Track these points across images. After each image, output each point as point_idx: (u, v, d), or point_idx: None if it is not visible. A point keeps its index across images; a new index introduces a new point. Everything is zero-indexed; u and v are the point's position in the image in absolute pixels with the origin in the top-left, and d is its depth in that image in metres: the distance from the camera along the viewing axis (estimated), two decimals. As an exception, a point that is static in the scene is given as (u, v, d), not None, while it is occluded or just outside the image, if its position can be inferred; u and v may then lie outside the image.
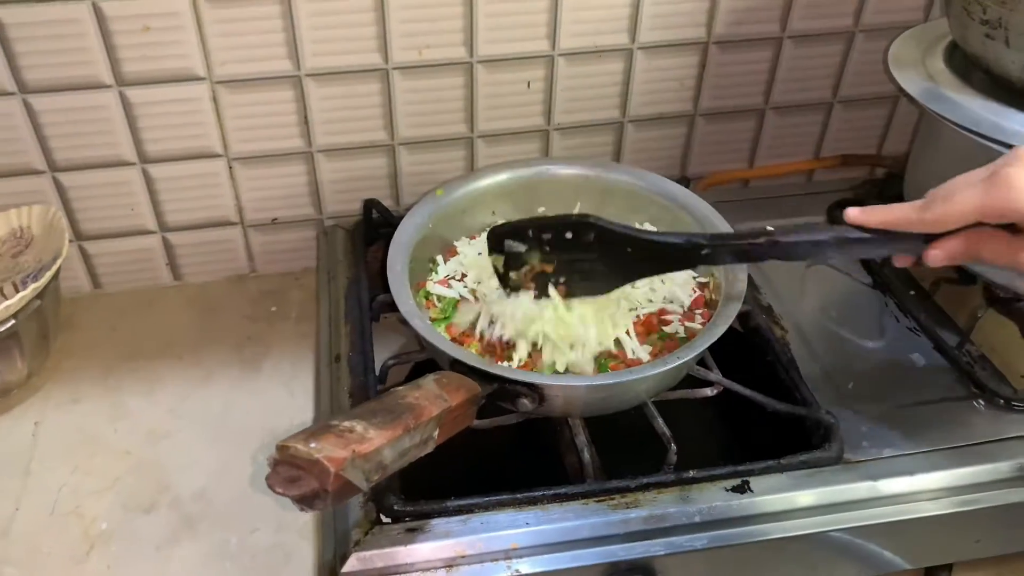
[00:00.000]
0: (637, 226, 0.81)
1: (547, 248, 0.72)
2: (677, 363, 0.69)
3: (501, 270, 0.75)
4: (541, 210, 0.88)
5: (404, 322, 0.74)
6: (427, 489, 0.69)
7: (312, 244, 1.04)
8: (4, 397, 0.88)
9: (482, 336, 0.77)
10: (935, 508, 0.72)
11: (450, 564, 0.66)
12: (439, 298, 0.84)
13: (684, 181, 0.91)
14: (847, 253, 0.65)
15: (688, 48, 1.00)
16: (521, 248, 0.73)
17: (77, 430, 0.86)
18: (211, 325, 0.99)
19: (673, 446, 0.70)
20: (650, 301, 0.80)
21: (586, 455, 0.70)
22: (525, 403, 0.68)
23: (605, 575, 0.68)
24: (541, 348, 0.75)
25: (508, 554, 0.67)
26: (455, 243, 0.90)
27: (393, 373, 0.79)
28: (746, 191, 1.13)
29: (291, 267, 1.06)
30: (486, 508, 0.69)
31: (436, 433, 0.62)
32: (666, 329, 0.79)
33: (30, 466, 0.82)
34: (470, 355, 0.72)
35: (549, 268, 0.74)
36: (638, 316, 0.79)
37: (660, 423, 0.71)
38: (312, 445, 0.54)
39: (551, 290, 0.74)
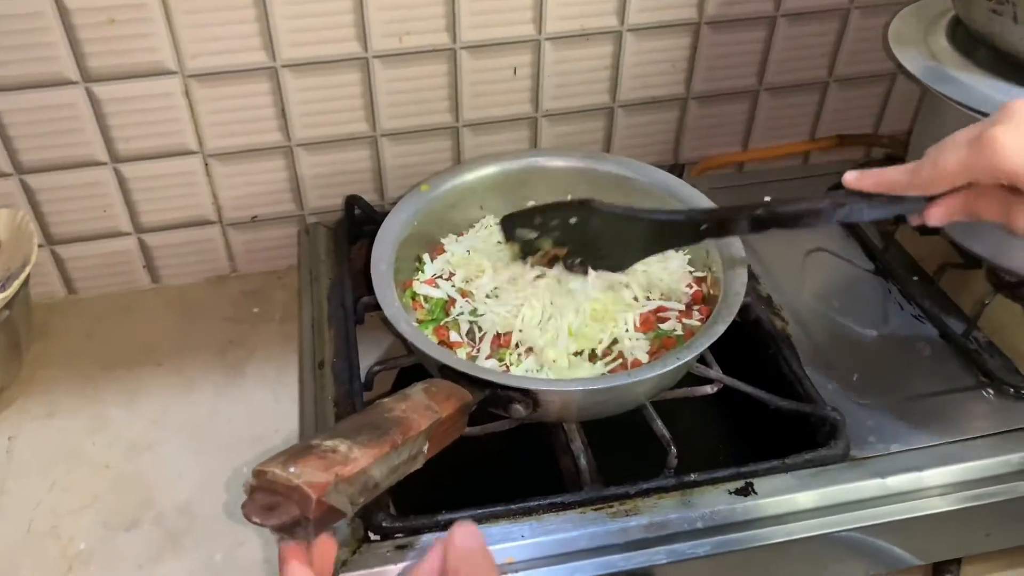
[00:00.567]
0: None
1: (556, 233, 0.75)
2: (676, 364, 0.66)
3: (519, 255, 0.78)
4: (531, 203, 0.85)
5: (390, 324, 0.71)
6: (417, 503, 0.67)
7: (294, 242, 1.01)
8: (-24, 411, 0.85)
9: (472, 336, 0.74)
10: (945, 504, 0.69)
11: (444, 582, 0.63)
12: (426, 299, 0.80)
13: (678, 168, 0.88)
14: (848, 217, 0.62)
15: (679, 29, 0.97)
16: (532, 235, 0.76)
17: (54, 444, 0.82)
18: (192, 329, 0.95)
19: (673, 448, 0.67)
20: (648, 298, 0.77)
21: (583, 461, 0.67)
22: (519, 409, 0.65)
23: (605, 586, 0.65)
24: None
25: (504, 569, 0.64)
26: (442, 240, 0.87)
27: (380, 380, 0.76)
28: (741, 176, 1.10)
29: (273, 266, 1.03)
30: (479, 521, 0.66)
31: (426, 447, 0.59)
32: (663, 327, 0.76)
33: (5, 484, 0.79)
34: (459, 360, 0.69)
35: (562, 252, 0.76)
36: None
37: (659, 424, 0.68)
38: (291, 470, 0.50)
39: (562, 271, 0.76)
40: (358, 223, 0.93)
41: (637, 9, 0.94)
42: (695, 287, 0.80)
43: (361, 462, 0.53)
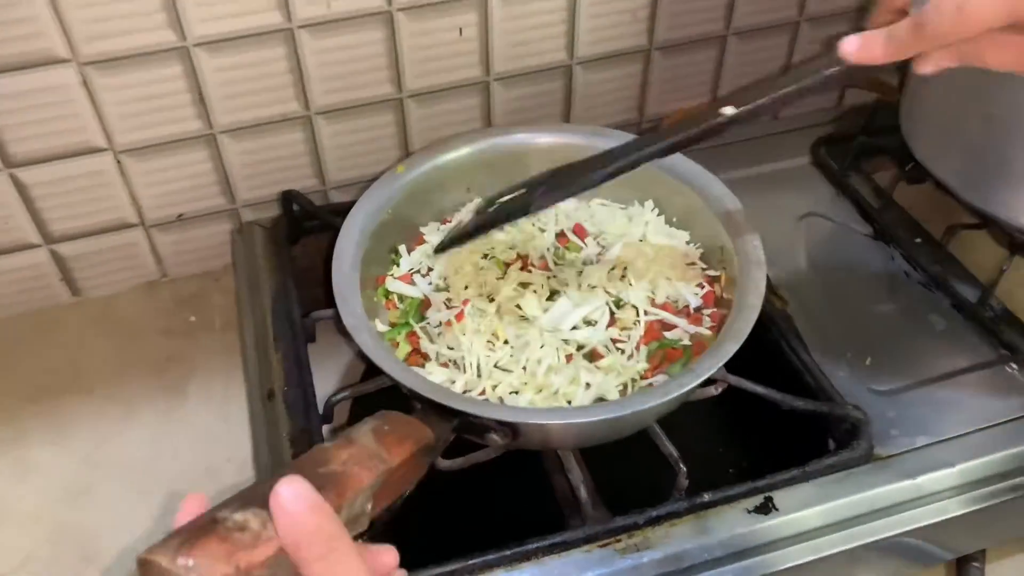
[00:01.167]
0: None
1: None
2: (679, 392, 0.57)
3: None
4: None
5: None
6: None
7: (228, 239, 0.90)
8: None
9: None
10: (983, 500, 0.63)
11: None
12: (400, 298, 0.71)
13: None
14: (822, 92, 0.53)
15: (638, -27, 0.87)
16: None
17: (-30, 501, 0.72)
18: (123, 346, 0.85)
19: (683, 467, 0.59)
20: (652, 304, 0.69)
21: (583, 492, 0.60)
22: (495, 439, 0.57)
23: (620, 633, 0.58)
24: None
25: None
26: (421, 229, 0.77)
27: (340, 409, 0.67)
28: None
29: (207, 267, 0.92)
30: (469, 573, 0.58)
31: (369, 506, 0.50)
32: (668, 336, 0.68)
33: (-82, 556, 0.69)
34: (427, 383, 0.60)
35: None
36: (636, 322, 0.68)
37: (665, 442, 0.61)
38: (181, 560, 0.40)
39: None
40: (297, 220, 0.82)
41: (592, -47, 0.83)
42: (707, 287, 0.72)
43: (276, 542, 0.43)
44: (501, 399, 0.64)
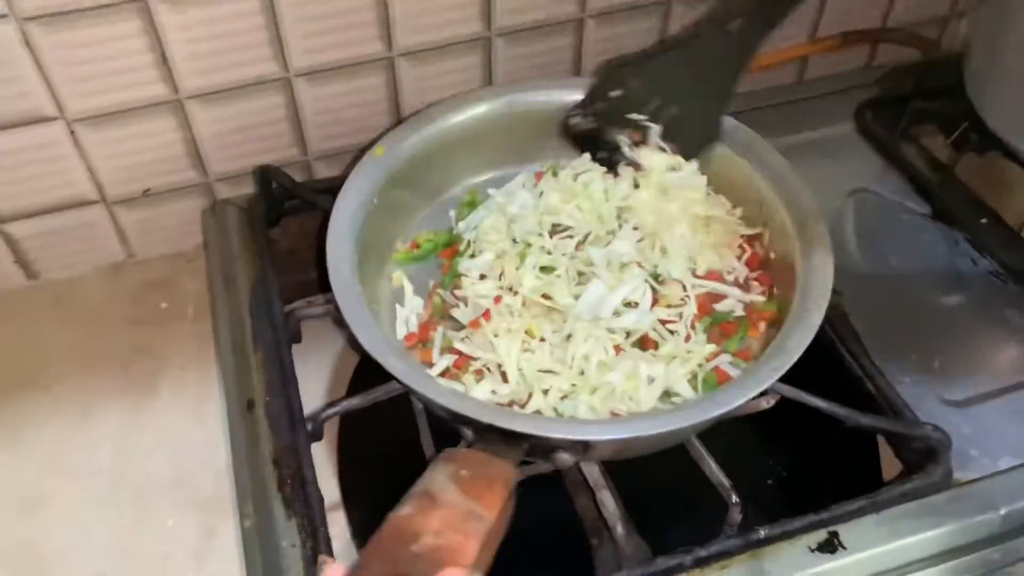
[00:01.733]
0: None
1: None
2: (742, 400, 0.49)
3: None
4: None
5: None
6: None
7: (201, 216, 0.81)
8: None
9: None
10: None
11: None
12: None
13: None
14: None
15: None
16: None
17: (-85, 515, 0.65)
18: (85, 337, 0.77)
19: (735, 498, 0.51)
20: (695, 277, 0.60)
21: (619, 529, 0.51)
22: (564, 458, 0.50)
23: None
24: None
25: None
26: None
27: (331, 425, 0.58)
28: (747, 98, 0.88)
29: (178, 247, 0.83)
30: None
31: None
32: (719, 308, 0.60)
33: None
34: (485, 408, 0.52)
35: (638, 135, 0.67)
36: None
37: (713, 468, 0.52)
38: None
39: None
40: (276, 199, 0.72)
41: None
42: (748, 249, 0.63)
43: None
44: (555, 409, 0.56)
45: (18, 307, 0.79)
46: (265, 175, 0.72)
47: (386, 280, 0.68)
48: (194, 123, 0.75)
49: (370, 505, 0.62)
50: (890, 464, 0.60)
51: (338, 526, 0.63)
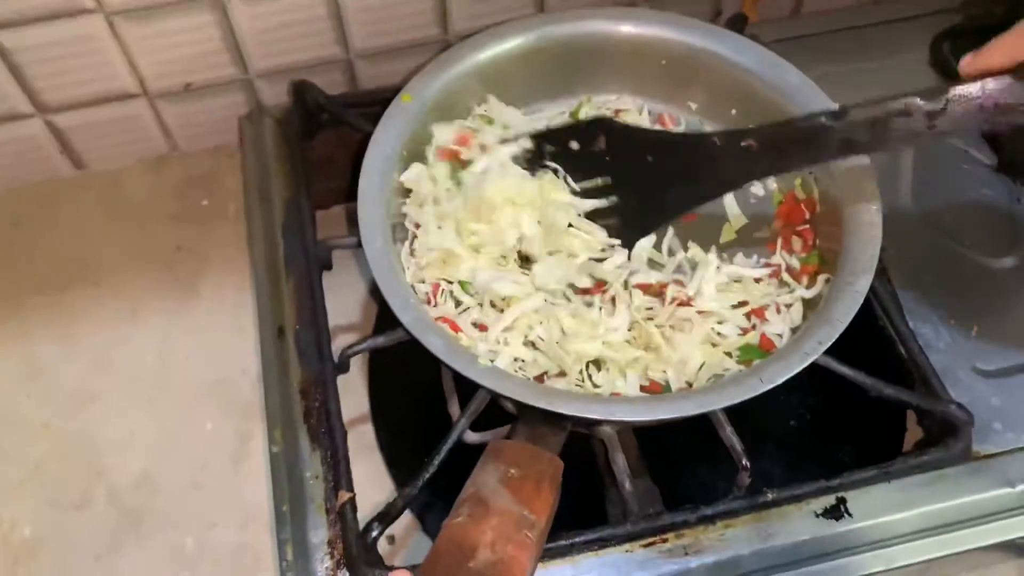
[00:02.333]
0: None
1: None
2: (785, 377, 0.48)
3: None
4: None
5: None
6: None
7: (243, 110, 0.80)
8: None
9: None
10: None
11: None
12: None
13: (740, 21, 0.64)
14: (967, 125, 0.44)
15: None
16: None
17: (-24, 395, 0.68)
18: (131, 233, 0.78)
19: (745, 462, 0.51)
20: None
21: (628, 485, 0.52)
22: (606, 429, 0.52)
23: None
24: None
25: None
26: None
27: (359, 361, 0.59)
28: (798, 22, 0.81)
29: (221, 141, 0.83)
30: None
31: None
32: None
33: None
34: (534, 389, 0.52)
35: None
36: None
37: (729, 433, 0.52)
38: None
39: None
40: (311, 114, 0.70)
41: None
42: (780, 225, 0.60)
43: None
44: (591, 378, 0.56)
45: (68, 197, 0.80)
46: (300, 90, 0.70)
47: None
48: (233, 17, 0.73)
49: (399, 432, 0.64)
50: (916, 431, 0.59)
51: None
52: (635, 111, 0.68)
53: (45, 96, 0.74)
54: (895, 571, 0.53)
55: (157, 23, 0.72)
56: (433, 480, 0.53)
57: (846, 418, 0.62)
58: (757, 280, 0.60)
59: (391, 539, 0.61)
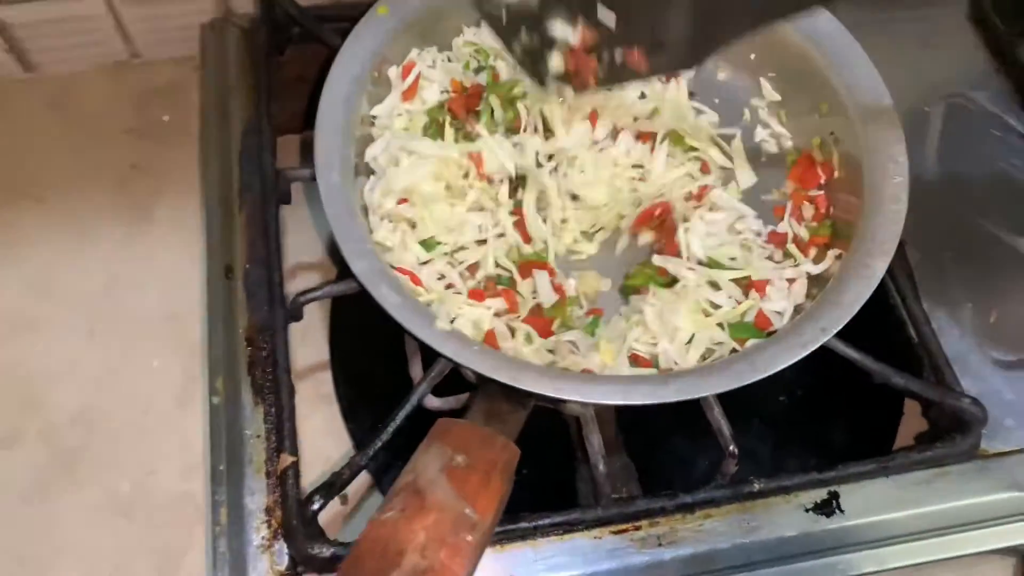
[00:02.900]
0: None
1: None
2: (784, 365, 0.43)
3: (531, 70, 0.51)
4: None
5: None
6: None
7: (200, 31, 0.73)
8: None
9: None
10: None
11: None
12: None
13: None
14: None
15: None
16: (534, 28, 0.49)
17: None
18: (83, 146, 0.72)
19: (732, 448, 0.46)
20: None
21: (601, 467, 0.47)
22: (575, 408, 0.47)
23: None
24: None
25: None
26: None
27: (311, 310, 0.53)
28: None
29: (188, 50, 0.76)
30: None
31: None
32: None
33: None
34: (498, 360, 0.46)
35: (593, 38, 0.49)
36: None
37: (716, 414, 0.47)
38: None
39: None
40: (281, 25, 0.63)
41: None
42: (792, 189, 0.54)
43: None
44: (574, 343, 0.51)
45: (15, 100, 0.74)
46: (269, 1, 0.63)
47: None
48: (200, -90, 0.66)
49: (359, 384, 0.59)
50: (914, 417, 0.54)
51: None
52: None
53: (-11, -13, 0.67)
54: (887, 572, 0.49)
55: (115, -89, 0.64)
56: (391, 442, 0.48)
57: (841, 398, 0.58)
58: (741, 236, 0.55)
59: (344, 498, 0.57)
